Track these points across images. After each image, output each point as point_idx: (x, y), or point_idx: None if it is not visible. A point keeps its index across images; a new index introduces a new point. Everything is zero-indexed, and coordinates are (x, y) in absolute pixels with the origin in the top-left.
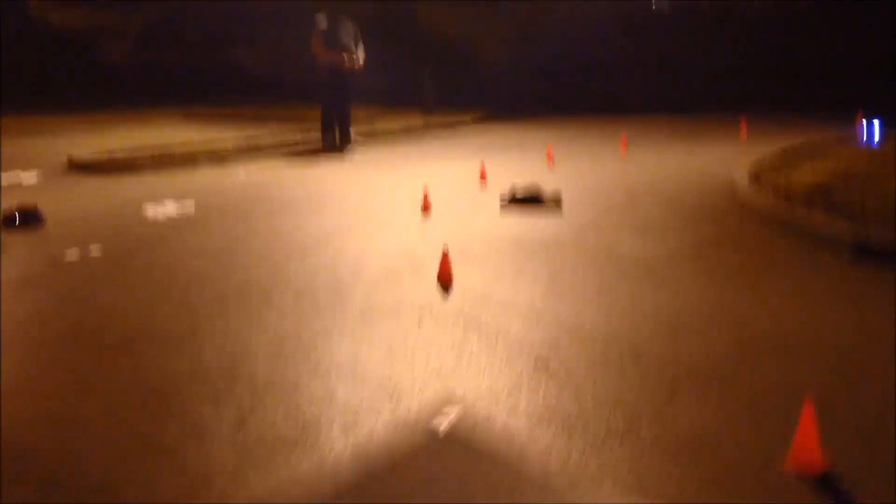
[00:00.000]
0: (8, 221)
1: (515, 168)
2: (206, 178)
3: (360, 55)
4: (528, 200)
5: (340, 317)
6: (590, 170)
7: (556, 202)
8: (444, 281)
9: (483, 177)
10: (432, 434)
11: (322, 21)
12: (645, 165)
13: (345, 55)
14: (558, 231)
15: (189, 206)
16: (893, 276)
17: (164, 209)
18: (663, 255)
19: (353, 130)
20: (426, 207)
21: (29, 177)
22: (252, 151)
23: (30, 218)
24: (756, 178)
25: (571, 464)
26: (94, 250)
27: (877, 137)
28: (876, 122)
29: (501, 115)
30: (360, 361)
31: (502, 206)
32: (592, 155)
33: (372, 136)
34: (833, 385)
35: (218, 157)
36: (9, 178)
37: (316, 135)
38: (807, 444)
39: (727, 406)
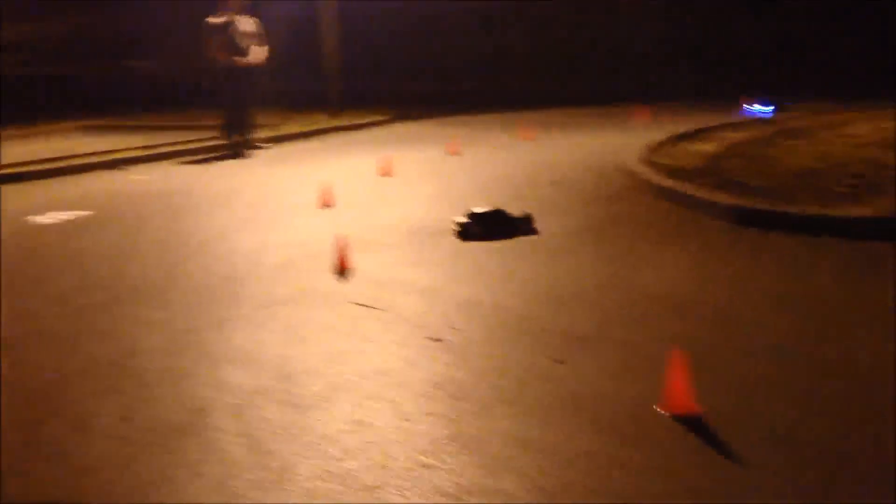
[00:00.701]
0: None
1: (421, 161)
2: (103, 185)
3: (262, 51)
4: (494, 229)
5: (236, 308)
6: (495, 159)
7: (528, 224)
8: (342, 268)
9: (387, 171)
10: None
11: (217, 19)
12: (548, 153)
13: (242, 55)
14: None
15: (83, 212)
16: (770, 240)
17: (55, 216)
18: (561, 234)
19: (255, 131)
20: (328, 201)
21: None
22: (152, 158)
23: None
24: (651, 158)
25: (461, 426)
26: None
27: (764, 117)
28: (764, 104)
29: (411, 113)
30: (255, 348)
31: (460, 239)
32: (498, 145)
33: (276, 138)
34: (710, 338)
35: (116, 164)
36: None
37: (218, 138)
38: (677, 388)
39: (613, 364)
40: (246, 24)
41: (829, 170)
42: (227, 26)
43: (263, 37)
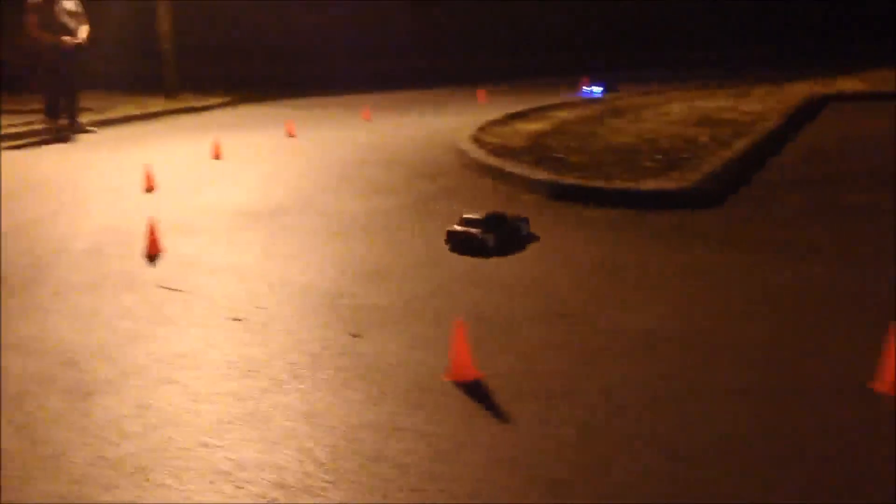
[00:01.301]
0: None
1: (256, 143)
2: None
3: (84, 32)
4: (506, 239)
5: (31, 296)
6: (331, 140)
7: (527, 228)
8: (152, 252)
9: (219, 153)
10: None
11: None
12: (385, 133)
13: (64, 35)
14: (285, 199)
15: None
16: (580, 213)
17: None
18: (382, 212)
19: (82, 114)
20: (151, 185)
21: None
22: None
23: None
24: (482, 137)
25: (248, 404)
26: None
27: (596, 97)
28: (596, 84)
29: (253, 96)
30: (44, 336)
31: (462, 253)
32: (336, 127)
33: (106, 122)
34: (507, 308)
35: None
36: None
37: (42, 122)
38: (459, 357)
39: (410, 336)
40: (68, 2)
41: (643, 146)
42: (48, 4)
43: (85, 15)
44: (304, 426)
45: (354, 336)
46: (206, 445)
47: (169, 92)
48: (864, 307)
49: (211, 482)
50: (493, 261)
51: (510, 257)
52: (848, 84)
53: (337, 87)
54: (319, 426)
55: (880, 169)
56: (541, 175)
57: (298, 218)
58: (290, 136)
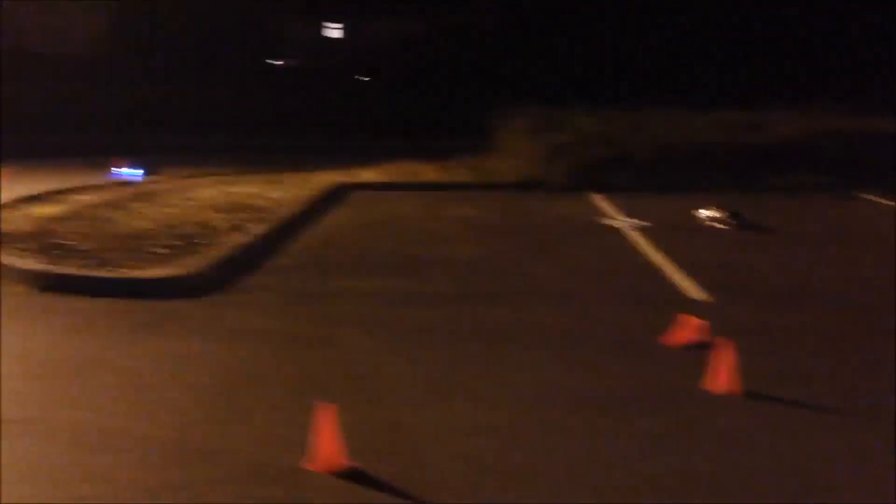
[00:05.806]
0: None
1: None
2: None
3: None
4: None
5: None
6: None
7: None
8: None
9: None
10: None
11: None
12: None
13: None
14: None
15: None
16: (71, 304)
17: None
18: None
19: None
20: None
21: None
22: None
23: None
24: None
25: None
26: None
27: (133, 180)
28: (135, 167)
29: None
30: None
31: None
32: None
33: None
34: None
35: None
36: None
37: None
38: None
39: None
40: None
41: (160, 231)
42: None
43: None
44: None
45: None
46: None
47: None
48: (293, 388)
49: None
50: None
51: None
52: (370, 175)
53: None
54: None
55: (385, 254)
56: (32, 265)
57: None
58: None
